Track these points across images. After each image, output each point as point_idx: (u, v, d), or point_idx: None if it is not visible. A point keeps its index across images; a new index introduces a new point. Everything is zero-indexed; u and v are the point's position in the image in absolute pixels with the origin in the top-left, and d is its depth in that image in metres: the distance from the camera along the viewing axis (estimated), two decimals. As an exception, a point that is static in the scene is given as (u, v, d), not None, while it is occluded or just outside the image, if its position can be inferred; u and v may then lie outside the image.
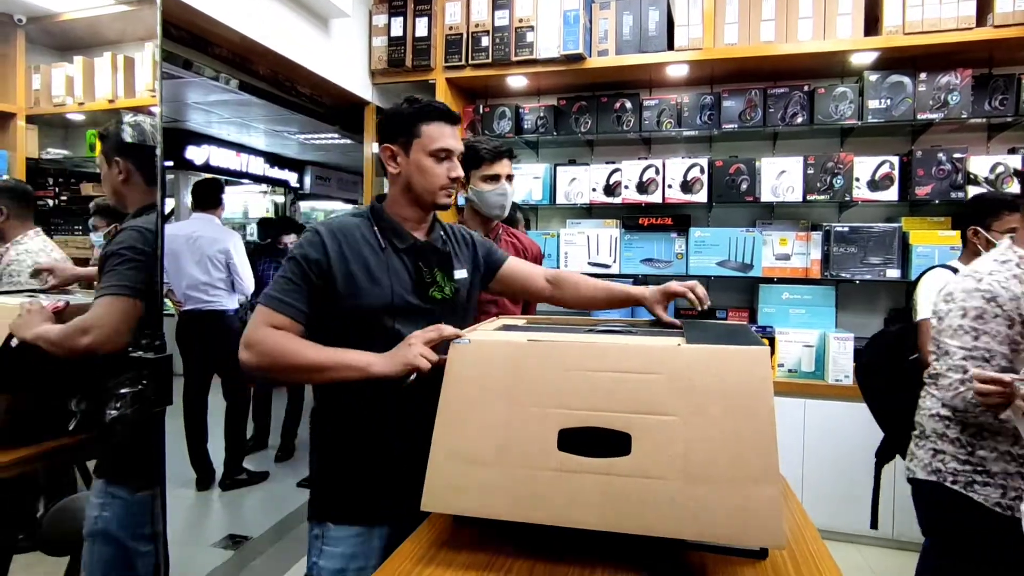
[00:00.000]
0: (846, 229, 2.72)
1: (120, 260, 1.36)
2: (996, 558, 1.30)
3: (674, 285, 1.27)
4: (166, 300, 3.37)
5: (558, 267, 3.15)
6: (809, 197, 2.75)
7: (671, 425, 0.85)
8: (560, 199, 3.10)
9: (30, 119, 2.44)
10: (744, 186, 2.81)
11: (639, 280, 3.01)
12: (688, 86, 3.08)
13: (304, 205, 8.67)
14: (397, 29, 3.08)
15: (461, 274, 1.27)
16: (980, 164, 2.63)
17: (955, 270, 1.80)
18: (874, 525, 1.89)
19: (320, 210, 9.29)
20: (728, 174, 2.83)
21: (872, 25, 2.65)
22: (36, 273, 1.89)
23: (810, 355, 2.76)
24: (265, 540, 2.69)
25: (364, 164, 3.31)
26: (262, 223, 4.01)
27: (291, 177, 7.59)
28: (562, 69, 2.90)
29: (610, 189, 3.01)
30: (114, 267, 1.35)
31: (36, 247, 1.95)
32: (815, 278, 2.78)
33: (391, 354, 1.06)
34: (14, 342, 1.42)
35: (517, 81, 3.10)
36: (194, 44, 2.27)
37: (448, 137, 1.20)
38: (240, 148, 6.59)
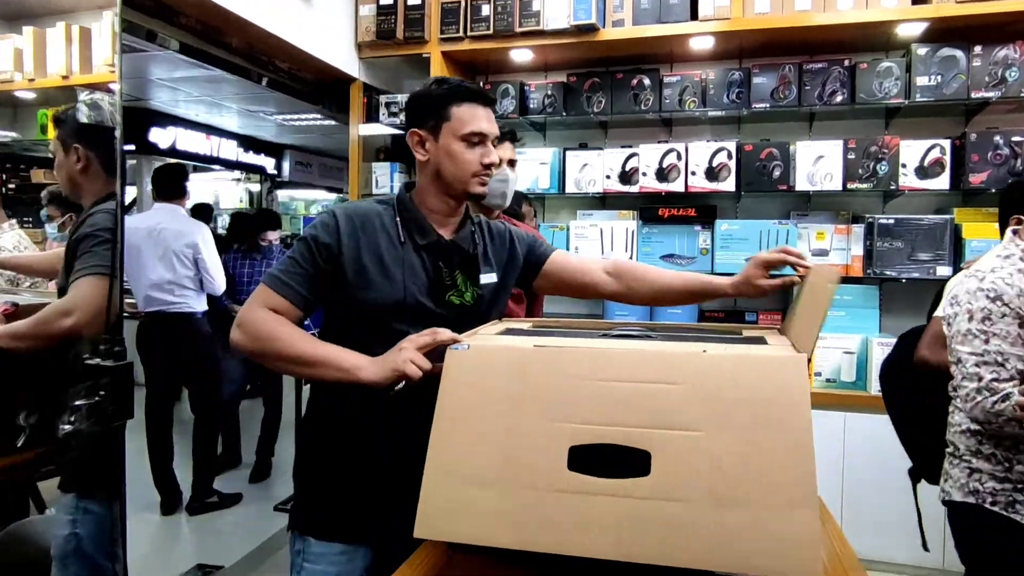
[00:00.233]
0: (891, 221, 2.72)
1: (97, 241, 1.38)
2: None
3: (764, 253, 1.25)
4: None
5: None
6: (850, 185, 2.75)
7: (695, 441, 0.85)
8: (570, 187, 3.10)
9: (-26, 97, 2.46)
10: (777, 173, 2.81)
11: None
12: (714, 61, 3.08)
13: (282, 194, 8.69)
14: (386, -4, 3.09)
15: (488, 278, 1.28)
16: (1043, 148, 2.63)
17: None
18: (925, 547, 1.89)
19: (300, 199, 9.32)
20: (759, 159, 2.83)
21: (921, -9, 2.65)
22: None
23: (851, 363, 2.76)
24: (239, 570, 2.69)
25: (350, 148, 3.31)
26: (235, 219, 3.97)
27: (268, 163, 7.61)
28: (572, 42, 2.91)
29: (626, 176, 3.01)
30: (91, 248, 1.37)
31: (10, 242, 1.97)
32: (856, 276, 2.78)
33: (381, 359, 1.07)
34: None
35: (522, 55, 3.10)
36: (158, 13, 2.27)
37: (481, 120, 1.21)
38: (210, 130, 6.61)
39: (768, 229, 2.83)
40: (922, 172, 2.70)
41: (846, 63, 2.76)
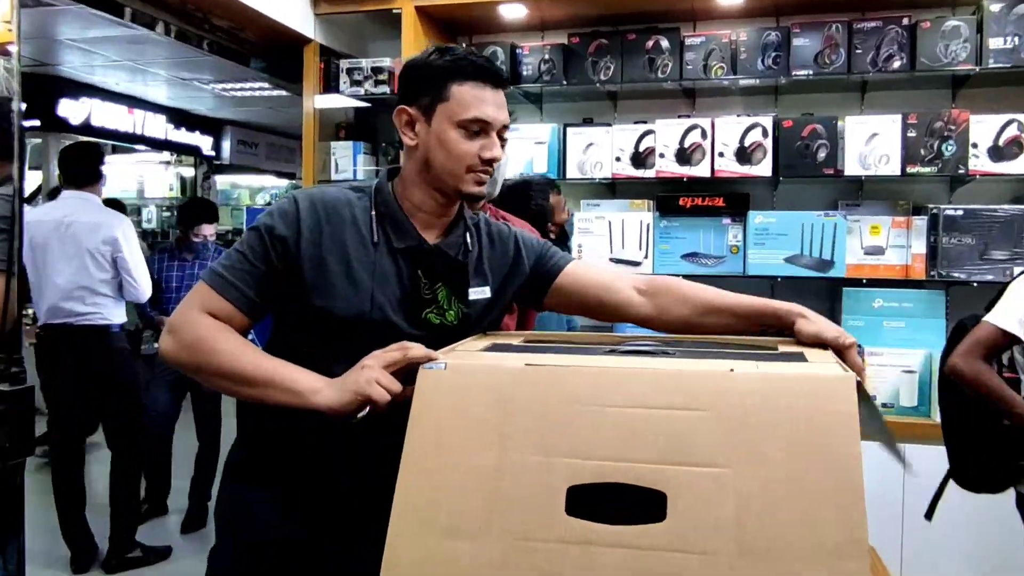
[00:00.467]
0: (960, 213, 2.74)
1: None
2: None
3: (829, 331, 1.17)
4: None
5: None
6: (910, 169, 2.77)
7: (720, 480, 0.85)
8: (571, 171, 3.11)
9: None
10: (822, 154, 2.83)
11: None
12: (746, 18, 3.10)
13: (221, 180, 8.69)
14: (348, -60, 3.10)
15: (480, 294, 1.28)
16: None
17: None
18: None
19: (243, 187, 9.31)
20: (800, 138, 2.85)
21: (994, -64, 2.68)
22: None
23: (911, 383, 2.77)
24: (165, 641, 2.68)
25: (304, 124, 3.31)
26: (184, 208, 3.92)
27: (204, 142, 7.61)
28: (573, -6, 2.95)
29: (640, 158, 3.03)
30: None
31: None
32: (918, 279, 2.81)
33: (340, 380, 1.07)
34: None
35: (513, 11, 3.11)
36: (69, -41, 2.27)
37: (487, 104, 1.19)
38: (133, 102, 6.60)
39: (811, 222, 2.85)
40: (996, 153, 2.73)
41: (905, 21, 2.79)
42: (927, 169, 2.76)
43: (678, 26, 3.06)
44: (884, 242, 2.85)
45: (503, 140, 1.81)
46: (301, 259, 1.16)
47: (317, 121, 3.30)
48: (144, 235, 7.54)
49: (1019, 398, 1.82)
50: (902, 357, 2.78)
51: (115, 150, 7.45)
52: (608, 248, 3.06)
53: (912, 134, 2.77)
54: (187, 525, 3.58)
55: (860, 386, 0.91)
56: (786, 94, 3.10)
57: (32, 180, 6.16)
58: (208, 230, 3.68)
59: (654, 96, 3.21)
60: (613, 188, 3.24)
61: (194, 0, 2.75)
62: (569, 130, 3.12)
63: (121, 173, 7.98)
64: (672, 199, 3.01)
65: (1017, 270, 2.69)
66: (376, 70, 3.22)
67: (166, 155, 7.89)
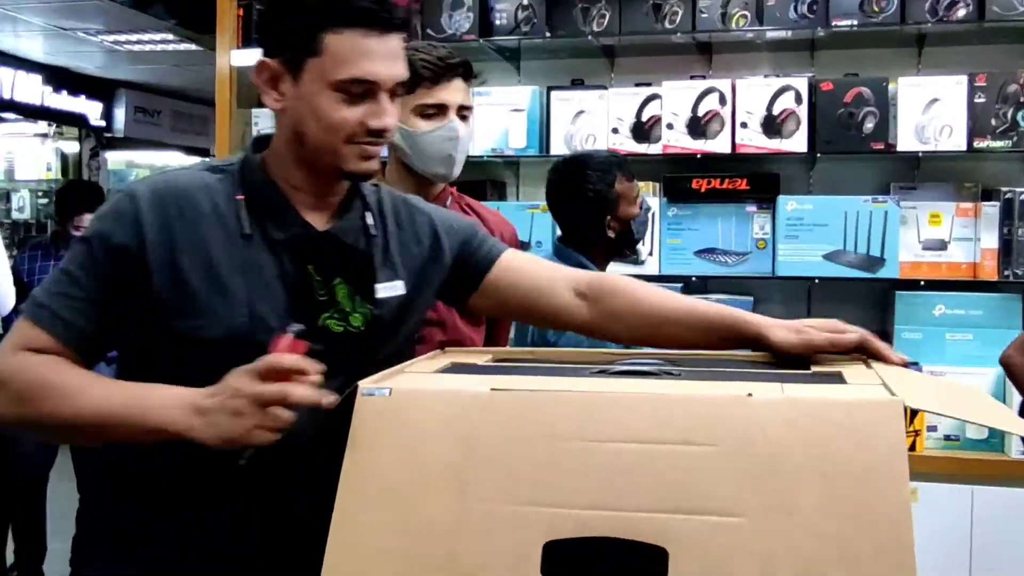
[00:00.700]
0: (1040, 197, 2.78)
1: None
2: None
3: (842, 334, 1.21)
4: None
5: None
6: (978, 144, 2.81)
7: (736, 534, 0.85)
8: (557, 147, 3.10)
9: None
10: (869, 125, 2.86)
11: (692, 287, 3.03)
12: (773, -45, 3.13)
13: (114, 158, 8.61)
14: None
15: (391, 289, 1.27)
16: None
17: None
18: None
19: (142, 166, 9.24)
20: (842, 104, 2.87)
21: None
22: None
23: (982, 412, 2.80)
24: None
25: (217, 87, 3.29)
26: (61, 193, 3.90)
27: (91, 109, 7.54)
28: (558, -76, 2.96)
29: (643, 130, 3.04)
30: None
31: None
32: (989, 280, 2.84)
33: (213, 415, 1.05)
34: None
35: (481, -56, 3.11)
36: None
37: (373, 58, 1.17)
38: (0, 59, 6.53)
39: (856, 210, 2.88)
40: (1084, 124, 2.77)
41: (970, -40, 2.82)
42: (999, 143, 2.80)
43: (690, -36, 3.08)
44: (946, 234, 2.89)
45: (465, 110, 1.83)
46: (150, 271, 1.13)
47: (235, 82, 3.28)
48: (14, 227, 7.45)
49: None
50: (969, 377, 2.80)
51: (-25, 119, 7.36)
52: (604, 243, 3.07)
53: (981, 100, 2.80)
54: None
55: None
56: (825, 50, 3.13)
57: None
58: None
59: (661, 52, 3.23)
60: (610, 167, 3.25)
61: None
62: (554, 95, 3.12)
63: (-17, 149, 7.88)
64: (683, 181, 3.03)
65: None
66: (309, 18, 3.21)
67: (43, 126, 7.80)
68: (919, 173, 3.06)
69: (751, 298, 3.06)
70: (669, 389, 0.99)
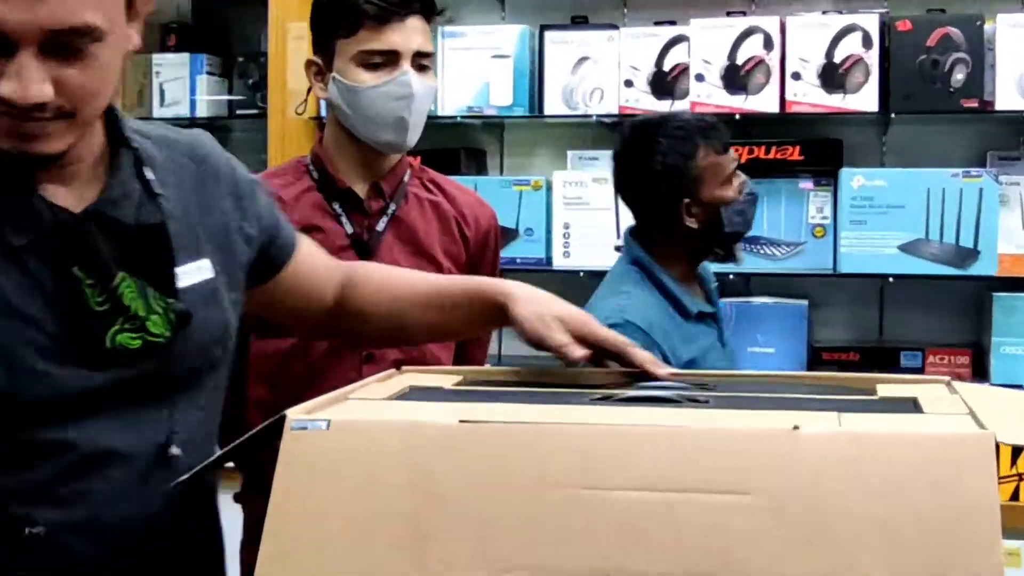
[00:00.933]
0: None
1: None
2: None
3: (599, 327, 1.37)
4: None
5: (545, 258, 3.15)
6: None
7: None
8: (552, 105, 3.12)
9: None
10: (959, 76, 2.86)
11: (728, 287, 3.01)
12: None
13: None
14: None
15: (197, 273, 1.22)
16: None
17: None
18: None
19: None
20: (924, 49, 2.87)
21: None
22: None
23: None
24: None
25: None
26: None
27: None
28: None
29: (665, 82, 3.04)
30: None
31: None
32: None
33: None
34: None
35: None
36: None
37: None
38: None
39: (942, 187, 2.88)
40: None
41: None
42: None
43: None
44: (1058, 219, 2.88)
45: (423, 59, 1.84)
46: None
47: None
48: None
49: None
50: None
51: None
52: (613, 230, 3.07)
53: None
54: None
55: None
56: (899, -22, 3.13)
57: None
58: None
59: (686, -18, 3.23)
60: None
61: None
62: (548, 36, 3.13)
63: None
64: (716, 149, 3.03)
65: None
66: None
67: None
68: (1024, 140, 3.06)
69: (805, 301, 3.06)
70: (693, 421, 0.98)
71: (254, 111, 3.47)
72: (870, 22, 2.92)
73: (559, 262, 3.21)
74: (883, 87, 2.91)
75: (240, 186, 1.35)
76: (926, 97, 2.88)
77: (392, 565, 0.91)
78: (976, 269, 2.85)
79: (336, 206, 1.89)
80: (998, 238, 2.85)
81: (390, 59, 1.78)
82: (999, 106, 2.86)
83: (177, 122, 3.63)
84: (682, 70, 3.02)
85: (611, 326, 2.06)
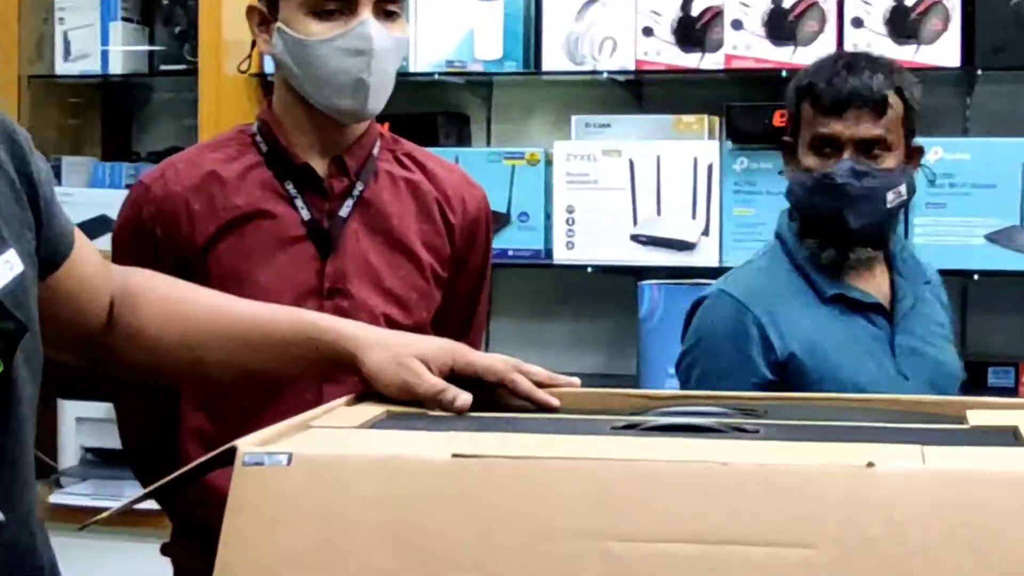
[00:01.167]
0: None
1: None
2: None
3: (478, 358, 1.38)
4: None
5: (544, 249, 3.16)
6: None
7: None
8: (551, 60, 3.15)
9: None
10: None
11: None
12: None
13: None
14: None
15: (5, 268, 1.18)
16: None
17: None
18: None
19: None
20: (1017, -10, 2.89)
21: None
22: None
23: None
24: None
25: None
26: None
27: None
28: None
29: (692, 30, 3.06)
30: None
31: None
32: None
33: None
34: None
35: None
36: None
37: None
38: None
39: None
40: None
41: None
42: None
43: None
44: None
45: (388, 4, 1.85)
46: None
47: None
48: None
49: None
50: None
51: None
52: (629, 214, 3.10)
53: None
54: None
55: None
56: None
57: None
58: None
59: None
60: (639, 92, 3.29)
61: None
62: (547, -25, 3.14)
63: None
64: (758, 114, 3.04)
65: None
66: None
67: None
68: None
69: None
70: (739, 456, 0.97)
71: (181, 67, 3.45)
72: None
73: (561, 255, 3.22)
74: (967, 36, 2.93)
75: (17, 136, 1.28)
76: (1021, 50, 2.89)
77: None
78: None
79: (289, 186, 1.89)
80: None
81: (346, 4, 1.78)
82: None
83: (87, 80, 3.63)
84: (715, 15, 3.04)
85: (702, 299, 2.25)
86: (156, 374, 1.53)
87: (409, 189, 1.96)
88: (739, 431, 1.10)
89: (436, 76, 3.21)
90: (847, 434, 1.08)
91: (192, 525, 1.86)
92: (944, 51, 2.92)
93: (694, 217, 3.04)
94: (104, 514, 1.10)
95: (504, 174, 3.11)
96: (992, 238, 2.88)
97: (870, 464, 0.90)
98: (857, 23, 2.95)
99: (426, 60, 3.15)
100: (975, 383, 2.98)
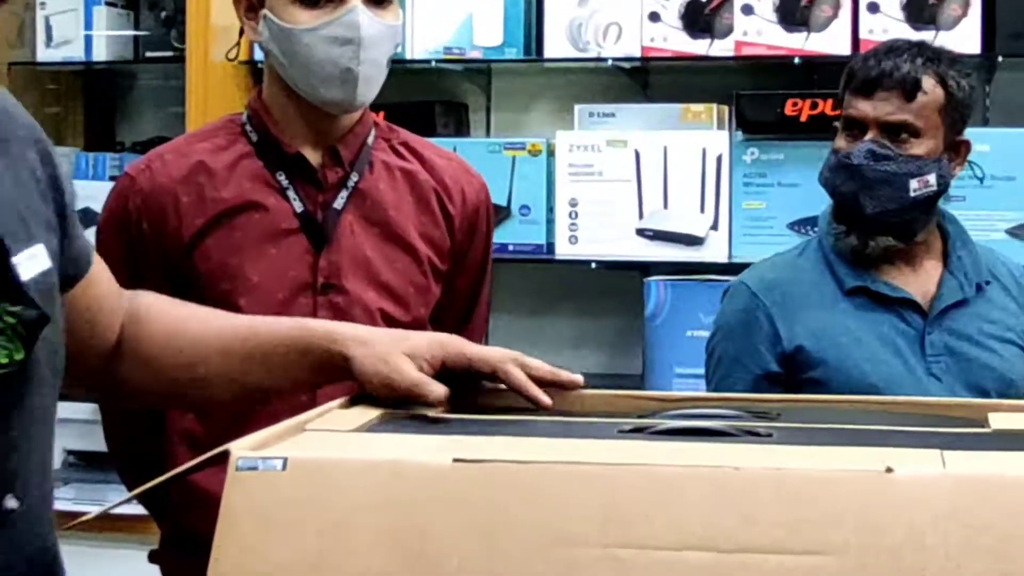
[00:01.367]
0: None
1: None
2: None
3: (472, 350, 1.38)
4: None
5: (546, 243, 3.16)
6: None
7: None
8: (554, 46, 3.15)
9: None
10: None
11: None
12: None
13: None
14: None
15: (34, 262, 1.19)
16: None
17: None
18: None
19: None
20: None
21: None
22: None
23: None
24: None
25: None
26: None
27: None
28: None
29: (700, 14, 3.06)
30: None
31: None
32: None
33: None
34: None
35: None
36: None
37: None
38: None
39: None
40: None
41: None
42: None
43: None
44: None
45: None
46: None
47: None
48: None
49: None
50: None
51: None
52: (635, 208, 3.10)
53: None
54: None
55: None
56: None
57: None
58: None
59: None
60: (645, 79, 3.29)
61: None
62: (549, -43, 3.14)
63: None
64: (769, 103, 3.06)
65: None
66: None
67: None
68: None
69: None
70: (753, 460, 0.97)
71: (167, 53, 3.45)
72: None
73: (564, 250, 3.22)
74: (987, 22, 2.93)
75: (49, 147, 1.32)
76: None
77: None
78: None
79: (281, 177, 1.89)
80: None
81: None
82: None
83: (69, 67, 3.62)
84: (723, 0, 3.03)
85: (723, 292, 2.36)
86: (159, 395, 1.54)
87: (406, 179, 1.95)
88: (751, 435, 1.10)
89: (433, 63, 3.22)
90: (864, 438, 1.08)
91: (181, 531, 1.86)
92: (963, 37, 2.92)
93: (702, 210, 3.04)
94: (86, 516, 1.12)
95: (504, 165, 3.11)
96: (1013, 232, 2.90)
97: (888, 469, 0.90)
98: (873, 8, 2.95)
99: (423, 47, 3.15)
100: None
